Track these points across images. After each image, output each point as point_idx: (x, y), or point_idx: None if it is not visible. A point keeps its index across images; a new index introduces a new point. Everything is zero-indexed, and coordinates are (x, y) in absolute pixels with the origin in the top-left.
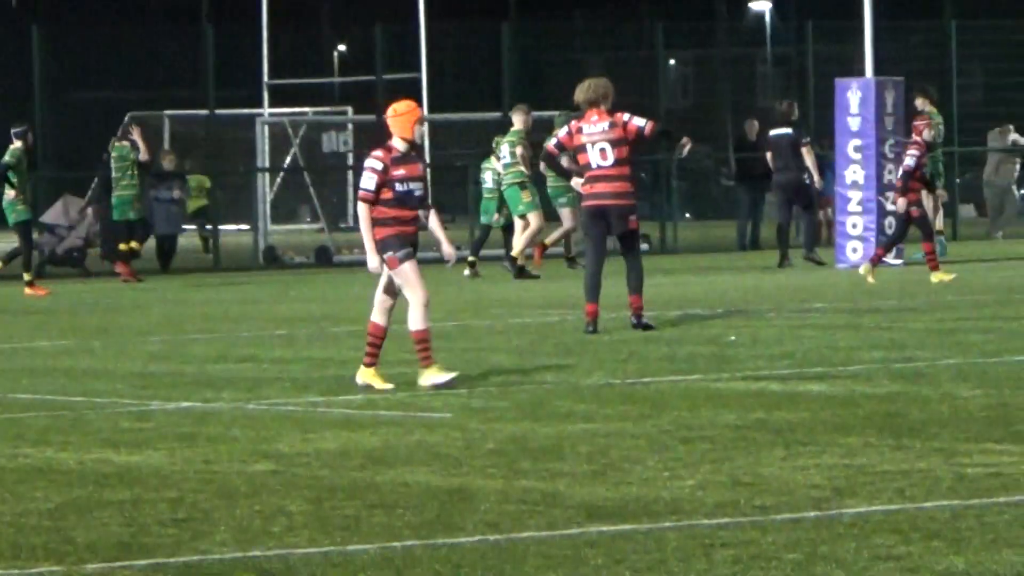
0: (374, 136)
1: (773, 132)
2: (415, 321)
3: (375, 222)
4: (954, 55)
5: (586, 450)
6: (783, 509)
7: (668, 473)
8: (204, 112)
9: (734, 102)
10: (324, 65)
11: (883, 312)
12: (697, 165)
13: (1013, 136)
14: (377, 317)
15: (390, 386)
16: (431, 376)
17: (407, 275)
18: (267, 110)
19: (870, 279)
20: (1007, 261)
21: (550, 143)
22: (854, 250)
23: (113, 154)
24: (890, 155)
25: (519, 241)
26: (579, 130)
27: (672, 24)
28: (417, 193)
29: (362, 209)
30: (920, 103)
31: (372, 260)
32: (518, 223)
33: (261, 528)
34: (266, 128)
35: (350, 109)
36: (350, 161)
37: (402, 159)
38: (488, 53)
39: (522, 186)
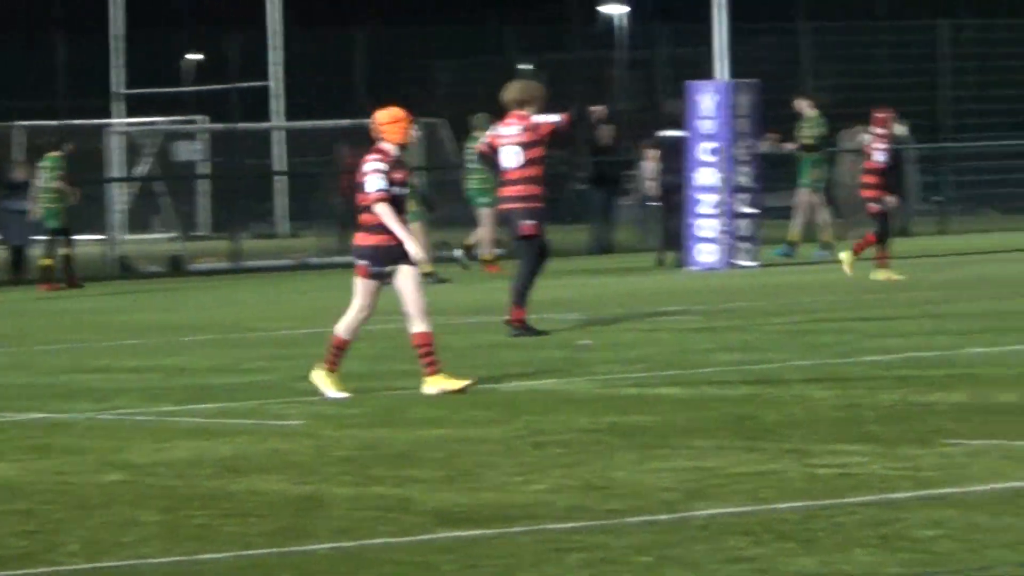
0: (229, 144)
1: (662, 133)
2: (342, 326)
3: (363, 227)
4: (807, 57)
5: (439, 456)
6: (635, 512)
7: (521, 478)
8: (55, 123)
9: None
10: (178, 74)
11: (737, 314)
12: (550, 169)
13: (865, 137)
14: (422, 324)
15: (467, 382)
16: (318, 377)
17: (365, 288)
18: (118, 120)
19: (895, 276)
20: (860, 262)
21: (481, 143)
22: (706, 252)
23: None
24: (743, 157)
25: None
26: (496, 132)
27: (525, 29)
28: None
29: (384, 208)
30: (801, 105)
31: (414, 249)
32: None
33: (113, 539)
34: (118, 138)
35: (205, 118)
36: (203, 170)
37: (396, 164)
38: (342, 61)
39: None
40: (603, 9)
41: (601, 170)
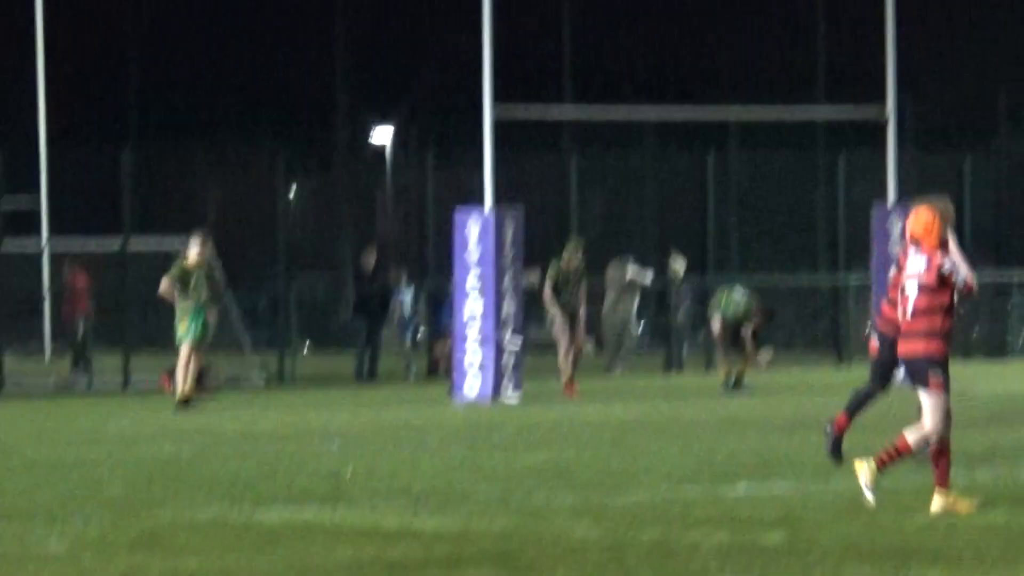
0: None
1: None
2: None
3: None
4: (574, 187)
5: None
6: None
7: None
8: None
9: (354, 232)
10: None
11: (500, 447)
12: (315, 295)
13: (632, 270)
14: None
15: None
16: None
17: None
18: None
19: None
20: (626, 397)
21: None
22: (471, 384)
23: None
24: (508, 287)
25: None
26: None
27: (293, 152)
28: None
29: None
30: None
31: None
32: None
33: None
34: None
35: None
36: None
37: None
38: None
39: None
40: (371, 134)
41: (366, 296)
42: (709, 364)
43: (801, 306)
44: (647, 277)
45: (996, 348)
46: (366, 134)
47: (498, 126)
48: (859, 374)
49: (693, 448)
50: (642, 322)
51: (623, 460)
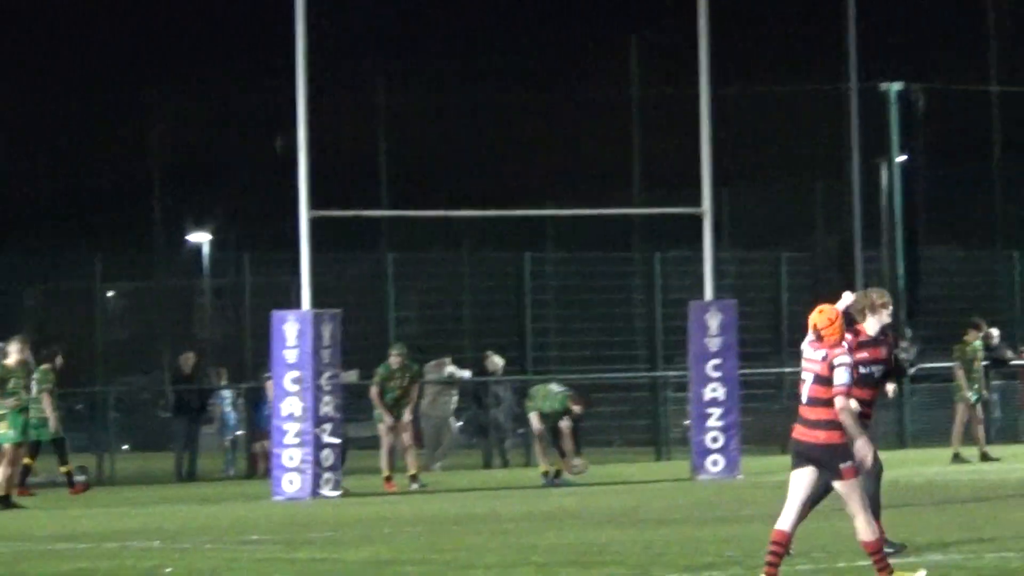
0: None
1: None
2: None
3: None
4: (391, 286)
5: None
6: None
7: None
8: None
9: (173, 334)
10: None
11: (318, 545)
12: (134, 396)
13: (450, 368)
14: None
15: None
16: None
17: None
18: None
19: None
20: (444, 492)
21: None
22: (290, 482)
23: None
24: (327, 387)
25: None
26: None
27: (110, 255)
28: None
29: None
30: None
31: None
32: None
33: None
34: None
35: None
36: None
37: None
38: None
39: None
40: (189, 237)
41: (184, 398)
42: (529, 460)
43: (619, 402)
44: (465, 375)
45: None
46: (183, 237)
47: (315, 229)
48: (678, 467)
49: (512, 542)
50: (460, 420)
51: (442, 554)
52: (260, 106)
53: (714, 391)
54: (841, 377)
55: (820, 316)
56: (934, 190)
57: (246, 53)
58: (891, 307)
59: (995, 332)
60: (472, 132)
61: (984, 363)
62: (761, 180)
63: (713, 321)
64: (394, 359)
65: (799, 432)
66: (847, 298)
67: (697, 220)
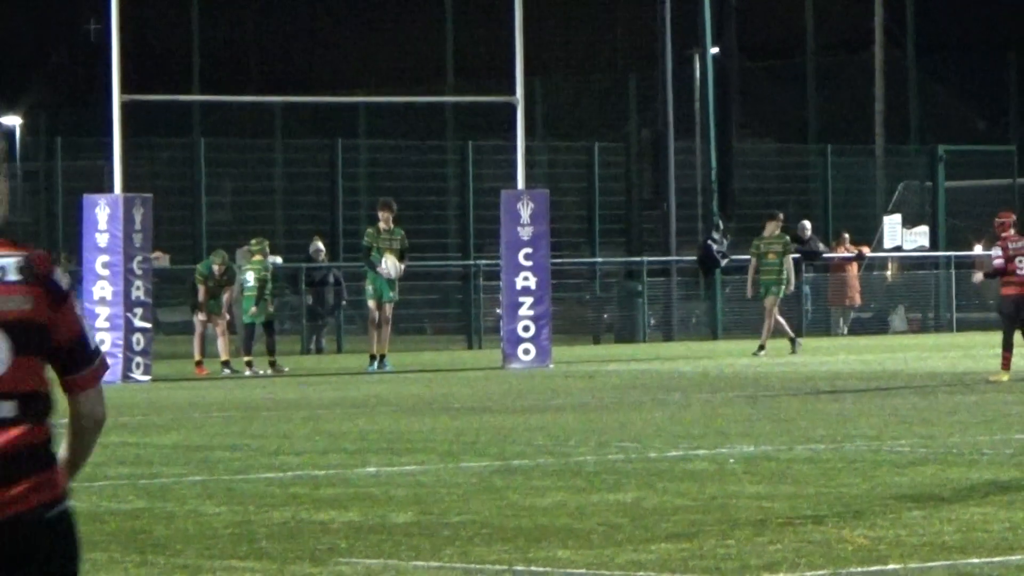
0: None
1: None
2: None
3: None
4: (203, 172)
5: None
6: None
7: None
8: None
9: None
10: None
11: (130, 428)
12: None
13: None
14: None
15: None
16: None
17: None
18: None
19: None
20: (257, 379)
21: None
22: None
23: None
24: (138, 271)
25: None
26: None
27: None
28: None
29: None
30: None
31: None
32: None
33: None
34: None
35: None
36: None
37: None
38: None
39: None
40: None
41: None
42: (340, 347)
43: (432, 290)
44: (276, 260)
45: (627, 332)
46: None
47: (128, 115)
48: (489, 356)
49: (323, 428)
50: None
51: (253, 440)
52: None
53: (526, 280)
54: None
55: None
56: (748, 84)
57: None
58: None
59: (807, 225)
60: (286, 19)
61: (795, 256)
62: (575, 71)
63: (525, 210)
64: (217, 268)
65: None
66: None
67: (511, 109)
